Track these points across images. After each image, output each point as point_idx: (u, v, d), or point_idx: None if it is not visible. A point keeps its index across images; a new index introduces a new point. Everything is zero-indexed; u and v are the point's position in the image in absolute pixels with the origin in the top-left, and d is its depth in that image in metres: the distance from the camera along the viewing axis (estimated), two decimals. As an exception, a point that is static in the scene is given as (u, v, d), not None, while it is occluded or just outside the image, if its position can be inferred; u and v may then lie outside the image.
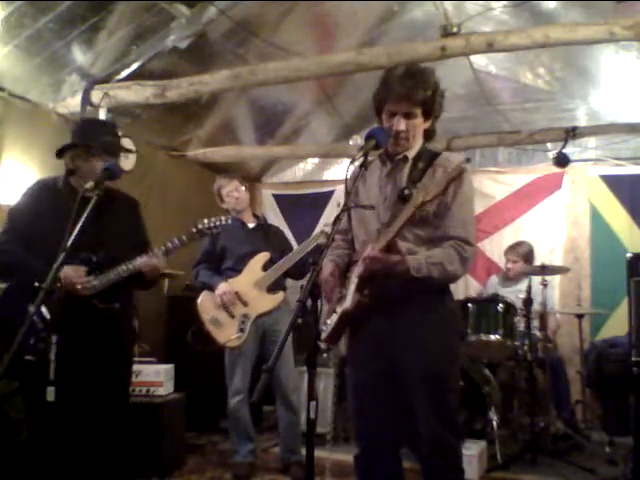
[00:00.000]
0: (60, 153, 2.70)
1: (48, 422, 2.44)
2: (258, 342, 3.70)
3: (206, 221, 2.73)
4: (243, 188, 3.89)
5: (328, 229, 3.32)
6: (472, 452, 3.58)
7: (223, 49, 4.16)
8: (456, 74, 4.59)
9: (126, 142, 4.13)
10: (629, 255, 3.42)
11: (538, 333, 4.33)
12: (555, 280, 5.20)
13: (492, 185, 5.68)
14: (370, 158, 2.11)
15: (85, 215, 2.26)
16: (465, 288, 5.46)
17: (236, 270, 3.73)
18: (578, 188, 5.48)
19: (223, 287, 3.63)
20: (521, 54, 4.17)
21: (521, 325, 4.23)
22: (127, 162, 4.13)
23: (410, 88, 2.09)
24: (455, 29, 3.59)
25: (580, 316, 4.65)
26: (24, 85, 3.87)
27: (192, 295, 4.88)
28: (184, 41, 3.82)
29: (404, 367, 2.12)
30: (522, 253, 4.85)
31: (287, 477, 3.67)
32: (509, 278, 4.93)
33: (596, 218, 5.38)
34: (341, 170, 6.10)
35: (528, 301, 4.14)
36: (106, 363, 2.61)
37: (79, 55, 3.82)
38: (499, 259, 5.29)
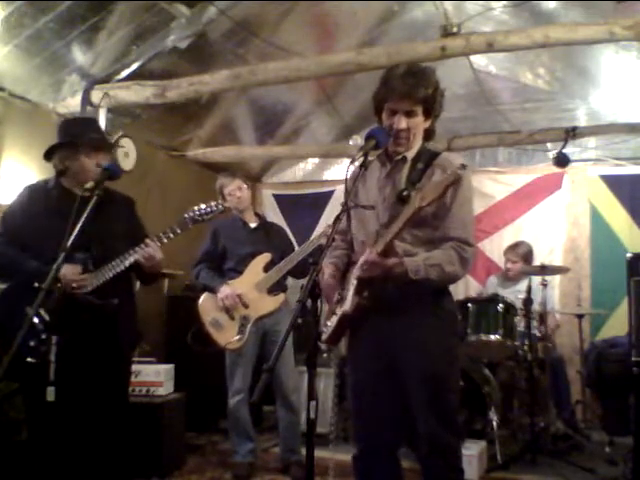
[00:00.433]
0: (48, 155, 2.69)
1: (48, 422, 2.44)
2: (259, 343, 3.70)
3: (196, 208, 2.71)
4: (245, 187, 3.88)
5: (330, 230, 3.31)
6: (472, 452, 3.58)
7: (223, 49, 4.16)
8: (456, 74, 4.59)
9: (126, 142, 4.15)
10: (629, 255, 3.42)
11: (538, 333, 4.33)
12: (555, 280, 5.20)
13: (492, 185, 5.68)
14: (370, 158, 2.11)
15: (85, 215, 2.26)
16: (465, 288, 5.47)
17: (237, 271, 3.73)
18: (578, 188, 5.48)
19: (225, 291, 3.61)
20: (521, 54, 4.17)
21: (521, 325, 4.23)
22: (127, 162, 4.13)
23: (412, 86, 2.09)
24: (455, 29, 3.59)
25: (580, 316, 4.65)
26: (24, 85, 3.87)
27: (192, 295, 4.88)
28: (184, 41, 3.82)
29: (403, 367, 2.12)
30: (521, 253, 4.85)
31: (287, 477, 3.67)
32: (509, 278, 4.93)
33: (596, 218, 5.38)
34: (341, 170, 6.10)
35: (528, 301, 4.14)
36: (103, 360, 2.60)
37: (79, 55, 3.82)
38: (499, 259, 5.28)
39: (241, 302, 3.61)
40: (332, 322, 2.20)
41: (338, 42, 4.41)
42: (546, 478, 3.64)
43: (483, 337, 4.13)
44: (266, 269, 3.70)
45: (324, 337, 2.22)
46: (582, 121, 5.04)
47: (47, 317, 2.41)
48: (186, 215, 2.69)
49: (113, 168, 2.55)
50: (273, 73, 3.81)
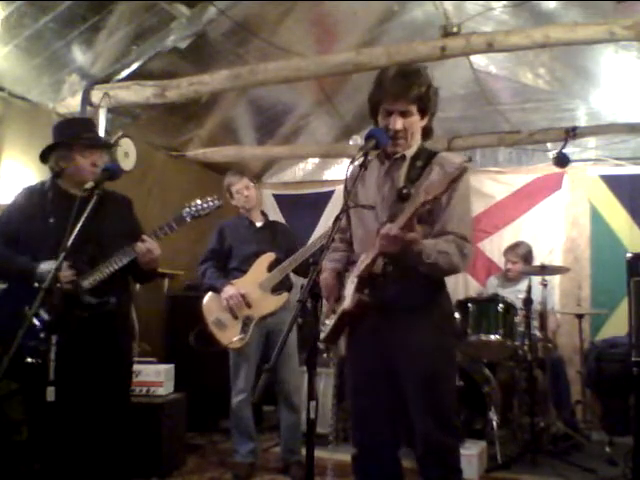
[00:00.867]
0: (44, 157, 2.69)
1: (48, 422, 2.44)
2: (263, 342, 3.69)
3: (193, 204, 2.70)
4: (253, 186, 3.88)
5: None
6: (472, 452, 3.58)
7: (223, 49, 4.16)
8: (456, 74, 4.59)
9: (126, 142, 4.15)
10: (629, 255, 3.42)
11: (538, 333, 4.33)
12: (555, 280, 5.19)
13: (492, 185, 5.68)
14: (370, 158, 2.11)
15: (85, 215, 2.26)
16: (465, 288, 5.47)
17: (241, 270, 3.72)
18: (578, 188, 5.48)
19: (229, 291, 3.61)
20: (521, 54, 4.18)
21: (521, 325, 4.23)
22: (127, 162, 4.13)
23: (404, 86, 2.10)
24: (455, 29, 3.60)
25: (580, 316, 4.65)
26: (24, 85, 3.87)
27: (192, 295, 4.90)
28: (184, 41, 3.82)
29: (400, 368, 2.12)
30: (521, 254, 4.85)
31: (287, 477, 3.67)
32: (509, 278, 4.93)
33: (596, 218, 5.38)
34: (341, 170, 6.10)
35: (528, 301, 4.14)
36: (104, 360, 2.60)
37: (79, 55, 3.82)
38: (499, 259, 5.28)
39: (244, 302, 3.61)
40: (331, 321, 2.20)
41: (338, 42, 4.42)
42: (546, 478, 3.64)
43: (483, 337, 4.14)
44: (270, 268, 3.70)
45: (322, 336, 2.22)
46: (582, 121, 5.04)
47: (46, 316, 2.41)
48: (183, 210, 2.68)
49: (113, 168, 2.55)
50: (273, 73, 3.81)
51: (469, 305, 4.26)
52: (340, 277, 2.30)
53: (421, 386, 2.09)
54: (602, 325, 5.15)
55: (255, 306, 3.62)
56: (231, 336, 3.58)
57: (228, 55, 4.20)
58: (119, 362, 2.74)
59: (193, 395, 3.98)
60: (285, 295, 3.73)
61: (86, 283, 2.54)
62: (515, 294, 4.56)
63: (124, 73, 4.05)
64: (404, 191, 2.06)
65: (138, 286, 4.05)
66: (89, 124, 2.88)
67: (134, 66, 4.00)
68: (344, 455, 3.75)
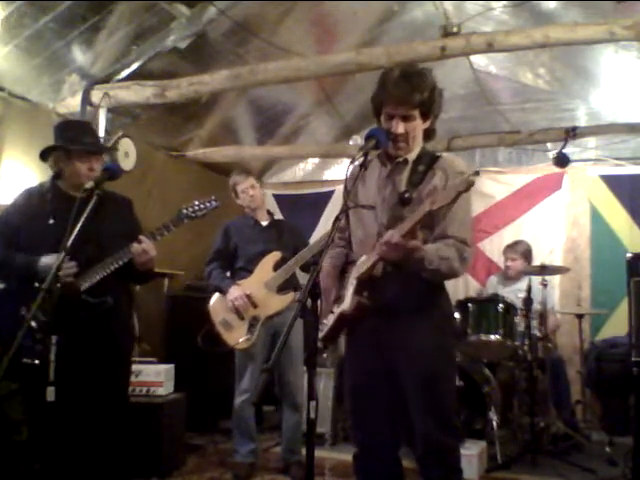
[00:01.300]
0: (43, 156, 2.71)
1: (48, 422, 2.44)
2: (269, 342, 3.67)
3: (191, 204, 2.71)
4: (258, 186, 3.87)
5: None
6: (472, 452, 3.58)
7: (223, 49, 4.16)
8: (456, 74, 4.59)
9: (126, 142, 4.15)
10: (629, 255, 3.42)
11: (538, 333, 4.33)
12: (555, 280, 5.19)
13: (492, 185, 5.68)
14: (370, 158, 2.11)
15: (85, 215, 2.26)
16: (465, 288, 5.47)
17: (247, 270, 3.72)
18: (578, 188, 5.48)
19: (234, 292, 3.61)
20: (521, 54, 4.18)
21: (521, 325, 4.23)
22: (127, 162, 4.13)
23: (406, 92, 2.08)
24: (455, 29, 3.60)
25: (580, 316, 4.65)
26: (24, 85, 3.87)
27: (192, 295, 4.91)
28: (184, 41, 3.82)
29: (400, 367, 2.13)
30: (521, 251, 4.86)
31: (287, 477, 3.67)
32: (509, 277, 4.94)
33: (596, 218, 5.38)
34: (341, 170, 6.10)
35: (528, 301, 4.14)
36: (102, 360, 2.60)
37: (79, 55, 3.82)
38: (499, 259, 5.28)
39: (250, 302, 3.60)
40: (329, 321, 2.20)
41: (338, 42, 4.41)
42: (546, 478, 3.64)
43: (483, 337, 4.14)
44: (276, 267, 3.69)
45: (320, 335, 2.22)
46: (582, 121, 5.04)
47: (42, 317, 2.41)
48: (181, 211, 2.69)
49: (113, 168, 2.56)
50: (273, 73, 3.81)
51: (469, 305, 4.27)
52: (337, 272, 2.30)
53: (421, 386, 2.09)
54: (602, 325, 5.14)
55: (261, 306, 3.62)
56: (238, 337, 3.58)
57: (228, 55, 4.20)
58: (118, 362, 2.74)
59: (193, 395, 3.98)
60: (291, 294, 3.71)
61: (84, 283, 2.55)
62: (515, 293, 4.57)
63: (124, 73, 4.05)
64: (406, 195, 2.06)
65: (138, 286, 4.05)
66: (89, 128, 2.88)
67: (134, 66, 4.00)
68: (344, 455, 3.76)
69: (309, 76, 3.93)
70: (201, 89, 4.01)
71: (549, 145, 5.28)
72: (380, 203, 2.19)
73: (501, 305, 4.18)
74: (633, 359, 3.27)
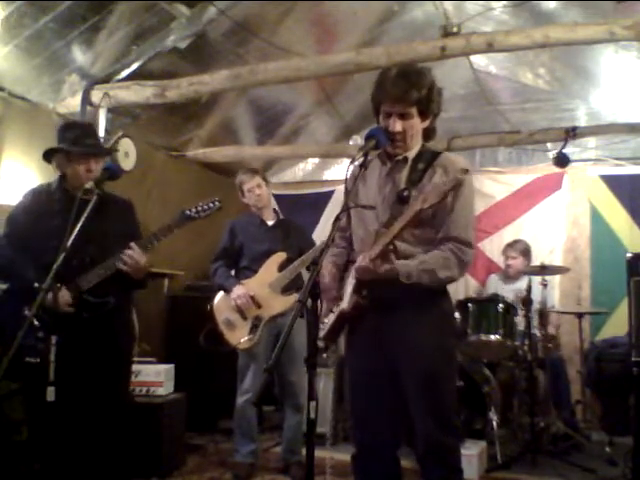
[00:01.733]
0: (47, 158, 2.72)
1: (48, 422, 2.44)
2: (272, 343, 3.66)
3: (193, 206, 2.71)
4: (265, 185, 3.85)
5: None
6: (472, 452, 3.58)
7: (223, 49, 4.16)
8: (456, 74, 4.59)
9: (126, 142, 4.15)
10: (629, 255, 3.43)
11: (538, 333, 4.33)
12: (555, 280, 5.19)
13: (492, 185, 5.68)
14: (370, 157, 2.11)
15: (85, 215, 2.27)
16: (465, 288, 5.46)
17: (252, 269, 3.72)
18: (578, 188, 5.48)
19: (238, 291, 3.61)
20: (521, 54, 4.17)
21: (521, 325, 4.23)
22: (127, 162, 4.13)
23: (403, 89, 2.08)
24: (455, 29, 3.59)
25: (580, 316, 4.65)
26: (24, 85, 3.87)
27: (192, 295, 4.91)
28: (184, 41, 3.82)
29: (400, 367, 2.13)
30: (520, 249, 4.89)
31: (287, 477, 3.67)
32: (509, 276, 4.94)
33: (596, 218, 5.38)
34: (341, 170, 6.10)
35: (528, 301, 4.14)
36: (102, 360, 2.61)
37: (79, 55, 3.82)
38: (499, 259, 5.28)
39: (253, 302, 3.60)
40: (329, 320, 2.21)
41: (338, 42, 4.41)
42: (546, 478, 3.64)
43: (483, 337, 4.14)
44: (281, 268, 3.68)
45: (321, 334, 2.22)
46: (582, 121, 5.04)
47: (44, 316, 2.41)
48: (183, 212, 2.69)
49: (113, 168, 2.57)
50: (273, 73, 3.80)
51: (469, 305, 4.27)
52: (339, 271, 2.30)
53: (421, 386, 2.09)
54: (602, 325, 5.14)
55: (265, 306, 3.62)
56: (240, 336, 3.58)
57: (228, 55, 4.20)
58: (119, 362, 2.74)
59: (193, 395, 3.98)
60: (295, 295, 3.71)
61: (85, 284, 2.56)
62: (515, 292, 4.57)
63: (124, 73, 4.04)
64: (404, 193, 2.07)
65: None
66: (90, 129, 2.89)
67: (134, 66, 4.00)
68: (344, 455, 3.75)
69: (309, 76, 3.93)
70: (201, 89, 4.00)
71: (549, 145, 5.28)
72: (380, 202, 2.19)
73: (501, 305, 4.18)
74: (633, 359, 3.27)
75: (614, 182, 5.33)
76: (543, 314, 4.37)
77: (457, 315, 4.22)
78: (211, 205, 2.73)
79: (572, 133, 4.57)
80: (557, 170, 5.19)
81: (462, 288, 5.41)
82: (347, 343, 2.30)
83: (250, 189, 3.80)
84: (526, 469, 3.75)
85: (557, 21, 3.84)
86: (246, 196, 3.84)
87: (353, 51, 3.72)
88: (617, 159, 5.28)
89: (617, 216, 5.30)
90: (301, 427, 3.70)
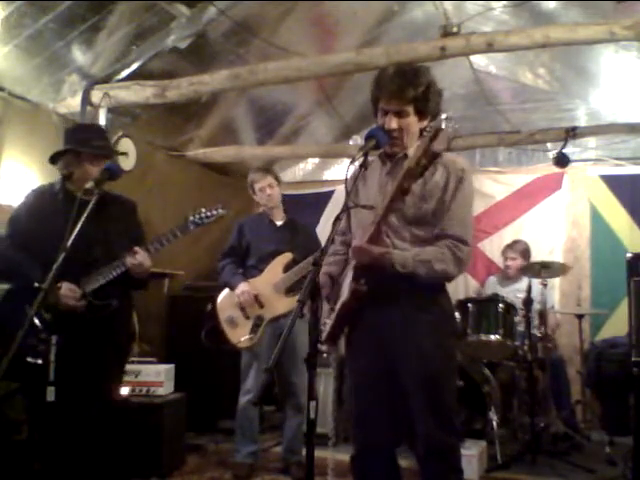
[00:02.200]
0: (53, 159, 2.73)
1: (48, 422, 2.44)
2: (275, 343, 3.65)
3: (197, 212, 2.73)
4: (276, 185, 3.83)
5: None
6: (472, 452, 3.58)
7: (223, 49, 4.16)
8: (456, 74, 4.59)
9: (126, 142, 4.15)
10: (629, 255, 3.42)
11: (538, 333, 4.33)
12: (555, 280, 5.19)
13: (492, 185, 5.68)
14: (370, 158, 2.11)
15: (85, 215, 2.27)
16: (465, 288, 5.47)
17: (258, 269, 3.72)
18: (578, 188, 5.48)
19: (242, 287, 3.62)
20: (521, 54, 4.18)
21: (521, 325, 4.23)
22: (127, 162, 4.13)
23: (400, 86, 2.09)
24: (455, 29, 3.59)
25: (580, 316, 4.65)
26: (24, 85, 3.87)
27: (192, 295, 4.91)
28: (184, 41, 3.82)
29: (400, 367, 2.12)
30: (520, 250, 4.89)
31: (287, 477, 3.67)
32: (508, 277, 4.94)
33: (596, 218, 5.38)
34: (341, 170, 6.10)
35: (528, 301, 4.14)
36: (99, 360, 2.62)
37: (79, 55, 3.82)
38: (499, 259, 5.28)
39: (257, 301, 3.60)
40: (330, 320, 2.20)
41: (338, 42, 4.41)
42: (546, 478, 3.64)
43: (483, 337, 4.14)
44: (286, 269, 3.68)
45: (323, 336, 2.22)
46: (582, 121, 5.04)
47: (47, 316, 2.42)
48: (187, 219, 2.71)
49: (113, 168, 2.57)
50: (273, 73, 3.80)
51: (469, 305, 4.27)
52: (332, 282, 2.29)
53: (422, 386, 2.09)
54: (602, 325, 5.14)
55: (267, 306, 3.62)
56: (241, 335, 3.58)
57: (228, 55, 4.20)
58: (114, 361, 2.76)
59: (193, 395, 3.98)
60: None
61: (88, 286, 2.58)
62: (514, 293, 4.57)
63: (124, 73, 4.04)
64: (405, 185, 2.05)
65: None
66: (101, 132, 2.90)
67: (134, 66, 3.99)
68: (344, 455, 3.74)
69: (309, 76, 3.93)
70: (201, 89, 4.00)
71: (549, 145, 5.28)
72: (381, 202, 2.18)
73: (501, 305, 4.18)
74: (633, 359, 3.27)
75: (614, 182, 5.33)
76: (543, 314, 4.36)
77: (457, 315, 4.21)
78: (214, 212, 2.76)
79: (572, 133, 4.58)
80: (557, 170, 5.19)
81: (462, 288, 5.41)
82: (347, 343, 2.30)
83: (261, 188, 3.79)
84: (526, 469, 3.75)
85: (557, 21, 3.84)
86: (257, 195, 3.83)
87: (353, 51, 3.72)
88: (617, 159, 5.28)
89: (617, 216, 5.30)
90: (302, 427, 3.70)
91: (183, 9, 3.60)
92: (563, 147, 4.67)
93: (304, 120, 5.57)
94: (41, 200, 2.73)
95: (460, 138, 5.00)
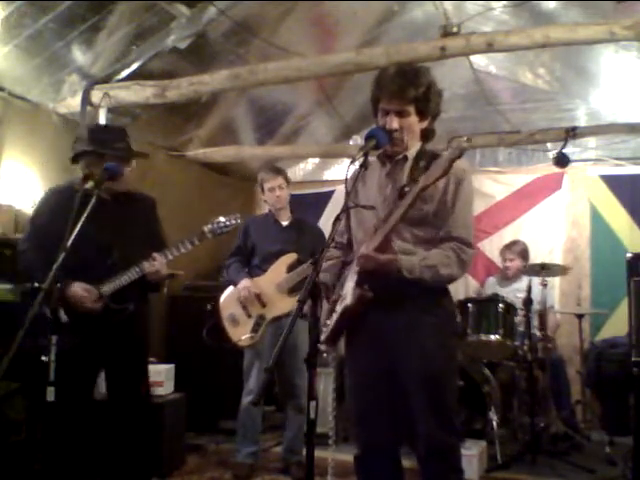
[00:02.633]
0: (75, 159, 2.75)
1: (48, 422, 2.44)
2: (276, 343, 3.65)
3: (216, 221, 2.77)
4: (286, 186, 3.82)
5: None
6: (472, 452, 3.58)
7: (223, 49, 4.16)
8: (456, 74, 4.59)
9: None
10: (629, 255, 3.42)
11: (538, 333, 4.33)
12: (555, 280, 5.19)
13: (492, 185, 5.68)
14: (371, 158, 2.11)
15: (85, 215, 2.28)
16: (465, 288, 5.46)
17: (262, 269, 3.73)
18: (578, 188, 5.48)
19: (244, 283, 3.64)
20: (521, 54, 4.17)
21: (521, 325, 4.23)
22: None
23: (401, 86, 2.09)
24: (455, 29, 3.59)
25: (580, 316, 4.65)
26: (24, 85, 3.87)
27: (192, 295, 4.91)
28: (184, 41, 3.82)
29: (401, 367, 2.12)
30: (518, 251, 4.89)
31: (287, 477, 3.67)
32: (507, 277, 4.94)
33: (596, 218, 5.38)
34: (341, 170, 6.09)
35: (528, 301, 4.14)
36: (120, 363, 2.67)
37: (79, 55, 3.82)
38: (499, 259, 5.28)
39: (259, 300, 3.61)
40: (331, 321, 2.20)
41: (338, 42, 4.41)
42: (546, 478, 3.64)
43: (483, 337, 4.14)
44: (290, 269, 3.68)
45: (323, 337, 2.22)
46: (582, 121, 5.04)
47: (65, 317, 2.44)
48: (205, 228, 2.78)
49: (113, 168, 2.58)
50: (273, 73, 3.80)
51: (469, 305, 4.27)
52: (330, 290, 2.29)
53: (423, 386, 2.09)
54: (602, 325, 5.14)
55: (269, 306, 3.63)
56: (242, 333, 3.59)
57: (228, 55, 4.20)
58: (137, 365, 2.81)
59: (193, 395, 3.98)
60: None
61: (106, 289, 2.61)
62: (514, 293, 4.57)
63: (124, 73, 4.04)
64: (405, 189, 2.06)
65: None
66: (122, 134, 2.91)
67: (134, 66, 3.99)
68: (344, 455, 3.75)
69: (309, 76, 3.92)
70: (201, 89, 4.00)
71: (549, 145, 5.27)
72: (381, 202, 2.18)
73: (501, 305, 4.18)
74: (633, 359, 3.27)
75: (614, 182, 5.33)
76: (543, 314, 4.36)
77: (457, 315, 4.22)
78: (233, 222, 2.81)
79: (572, 133, 4.57)
80: (557, 170, 5.18)
81: (462, 288, 5.40)
82: (347, 344, 2.29)
83: (271, 188, 3.78)
84: (526, 469, 3.75)
85: (557, 21, 3.84)
86: (266, 194, 3.83)
87: (353, 51, 3.72)
88: (617, 159, 5.28)
89: (617, 216, 5.29)
90: (302, 427, 3.70)
91: (183, 9, 3.60)
92: (563, 147, 4.66)
93: (304, 120, 5.56)
94: (61, 200, 2.73)
95: (460, 138, 4.99)
